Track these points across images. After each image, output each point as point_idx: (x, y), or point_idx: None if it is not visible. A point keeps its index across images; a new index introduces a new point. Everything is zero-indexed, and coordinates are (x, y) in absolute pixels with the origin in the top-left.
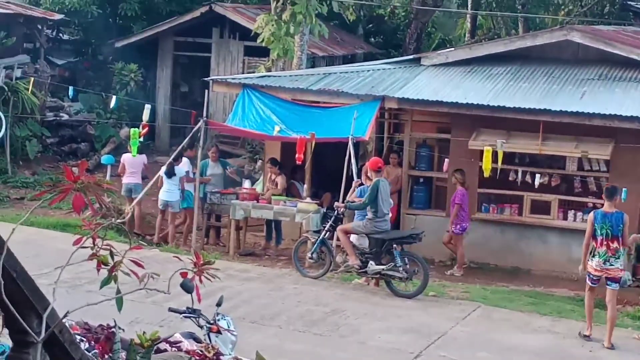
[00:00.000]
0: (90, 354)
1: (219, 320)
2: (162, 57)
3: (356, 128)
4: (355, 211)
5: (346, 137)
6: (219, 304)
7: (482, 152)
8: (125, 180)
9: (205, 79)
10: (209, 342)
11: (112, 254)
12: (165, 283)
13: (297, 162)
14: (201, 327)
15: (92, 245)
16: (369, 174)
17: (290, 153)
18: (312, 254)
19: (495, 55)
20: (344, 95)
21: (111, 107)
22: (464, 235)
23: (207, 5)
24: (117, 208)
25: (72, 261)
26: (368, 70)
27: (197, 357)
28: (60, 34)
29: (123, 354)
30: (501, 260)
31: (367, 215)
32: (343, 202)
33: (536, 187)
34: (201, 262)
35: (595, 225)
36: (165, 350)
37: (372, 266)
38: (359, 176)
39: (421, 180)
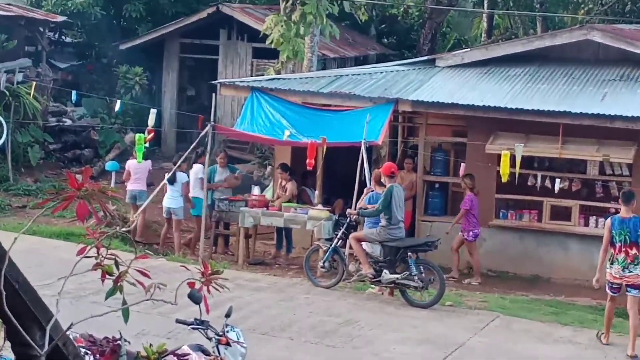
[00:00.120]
0: None
1: (228, 331)
2: (167, 60)
3: (369, 132)
4: (366, 218)
5: (359, 142)
6: (228, 315)
7: (499, 156)
8: (130, 186)
9: (213, 82)
10: (217, 354)
11: (117, 264)
12: (172, 293)
13: (308, 167)
14: (210, 339)
15: (96, 254)
16: (382, 180)
17: (300, 158)
18: (324, 262)
19: (512, 55)
20: (356, 98)
21: (115, 111)
22: (477, 242)
23: (214, 5)
24: (122, 216)
25: (76, 271)
26: (381, 72)
27: None
28: (63, 37)
29: None
30: (520, 268)
31: (380, 222)
32: (355, 209)
33: (556, 192)
34: (209, 271)
35: (613, 231)
36: None
37: (386, 275)
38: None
39: (436, 185)
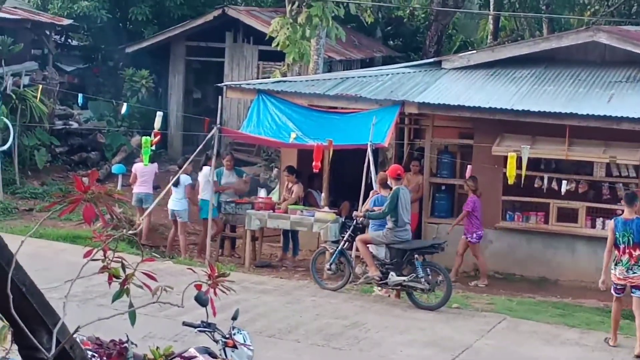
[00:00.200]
0: None
1: (234, 334)
2: (174, 63)
3: (375, 134)
4: (371, 221)
5: (365, 144)
6: (234, 318)
7: (506, 158)
8: (136, 189)
9: (219, 84)
10: (224, 357)
11: (123, 267)
12: (179, 296)
13: (315, 170)
14: (216, 341)
15: (103, 257)
16: (388, 182)
17: (307, 161)
18: (330, 265)
19: (519, 57)
20: (363, 101)
21: (122, 114)
22: (480, 244)
23: (220, 8)
24: (129, 219)
25: (82, 274)
26: (387, 74)
27: None
28: (69, 40)
29: None
30: (527, 270)
31: (386, 224)
32: (361, 212)
33: (563, 194)
34: (216, 274)
35: (617, 233)
36: None
37: (393, 277)
38: None
39: (443, 187)
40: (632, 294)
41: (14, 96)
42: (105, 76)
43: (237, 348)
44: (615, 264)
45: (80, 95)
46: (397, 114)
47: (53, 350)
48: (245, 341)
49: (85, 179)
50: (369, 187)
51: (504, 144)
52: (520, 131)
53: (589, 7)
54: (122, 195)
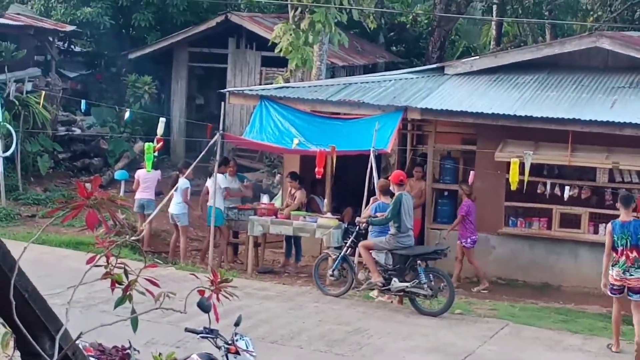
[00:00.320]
0: None
1: (237, 340)
2: (176, 69)
3: (378, 140)
4: (372, 227)
5: (368, 150)
6: (237, 324)
7: (508, 164)
8: (138, 195)
9: (222, 90)
10: None
11: (126, 273)
12: (181, 302)
13: (317, 176)
14: (219, 347)
15: (105, 263)
16: (391, 188)
17: (309, 167)
18: (333, 271)
19: (521, 63)
20: (365, 106)
21: (125, 120)
22: (476, 249)
23: (222, 14)
24: (131, 225)
25: (85, 280)
26: (390, 80)
27: None
28: (72, 46)
29: None
30: (530, 276)
31: (388, 230)
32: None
33: (566, 199)
34: (218, 280)
35: (615, 236)
36: None
37: (396, 283)
38: None
39: (446, 193)
40: (628, 297)
41: (17, 102)
42: (108, 82)
43: (239, 354)
44: (613, 266)
45: (83, 102)
46: (400, 120)
47: (55, 357)
48: (247, 347)
49: (87, 185)
50: (372, 193)
51: (506, 149)
52: (523, 137)
53: (591, 12)
54: (125, 201)
